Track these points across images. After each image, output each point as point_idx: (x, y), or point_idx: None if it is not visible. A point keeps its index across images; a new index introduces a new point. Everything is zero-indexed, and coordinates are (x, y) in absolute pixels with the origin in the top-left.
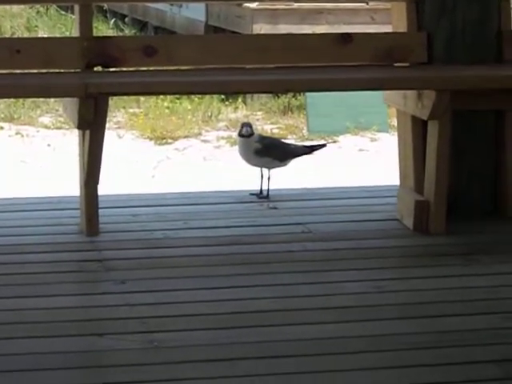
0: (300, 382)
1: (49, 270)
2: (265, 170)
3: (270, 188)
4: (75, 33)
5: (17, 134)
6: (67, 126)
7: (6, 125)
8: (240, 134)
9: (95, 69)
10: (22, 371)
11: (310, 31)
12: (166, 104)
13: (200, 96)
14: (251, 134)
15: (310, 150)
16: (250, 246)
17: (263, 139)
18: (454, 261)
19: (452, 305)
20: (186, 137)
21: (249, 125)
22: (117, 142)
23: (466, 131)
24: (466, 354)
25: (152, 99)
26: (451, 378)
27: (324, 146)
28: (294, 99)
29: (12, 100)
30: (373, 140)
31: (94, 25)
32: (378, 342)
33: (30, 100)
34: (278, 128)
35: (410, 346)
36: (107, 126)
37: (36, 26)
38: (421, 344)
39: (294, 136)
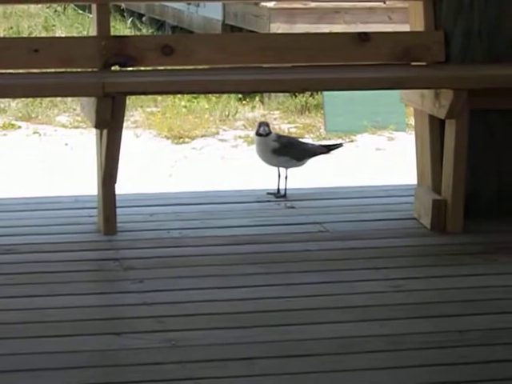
0: (318, 382)
1: (66, 268)
2: (282, 170)
3: (288, 187)
4: (93, 32)
5: (34, 133)
6: (85, 126)
7: (23, 124)
8: (257, 133)
9: (113, 68)
10: (41, 370)
11: (327, 30)
12: (183, 103)
13: (217, 95)
14: (268, 133)
15: (328, 149)
16: (267, 245)
17: (281, 138)
18: (472, 260)
19: (471, 304)
20: (203, 136)
21: (266, 124)
22: (134, 141)
23: (483, 130)
24: (485, 352)
25: (169, 98)
26: (471, 377)
27: (341, 145)
28: (311, 98)
29: (29, 99)
30: (390, 139)
31: (112, 24)
32: (397, 341)
33: (47, 99)
34: (295, 127)
35: (429, 346)
36: (125, 125)
37: (54, 26)
38: (440, 343)
39: (312, 135)
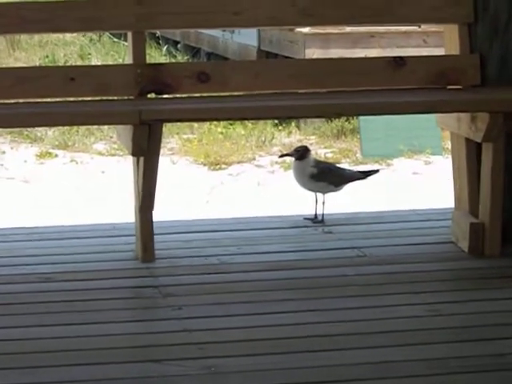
0: None
1: (105, 296)
2: (319, 195)
3: (325, 212)
4: (128, 60)
5: (71, 161)
6: (121, 153)
7: (60, 152)
8: (282, 156)
9: (149, 96)
10: None
11: (362, 55)
12: (219, 129)
13: (253, 121)
14: (300, 157)
15: (365, 175)
16: (305, 270)
17: (318, 164)
18: (511, 283)
19: (510, 327)
20: (239, 162)
21: (302, 148)
22: (171, 167)
23: None
24: None
25: (206, 125)
26: None
27: (377, 171)
28: (347, 123)
29: (66, 127)
30: (427, 163)
31: (147, 51)
32: (435, 365)
33: (84, 127)
34: (331, 152)
35: (467, 370)
36: (161, 152)
37: (89, 54)
38: (479, 367)
39: (348, 160)
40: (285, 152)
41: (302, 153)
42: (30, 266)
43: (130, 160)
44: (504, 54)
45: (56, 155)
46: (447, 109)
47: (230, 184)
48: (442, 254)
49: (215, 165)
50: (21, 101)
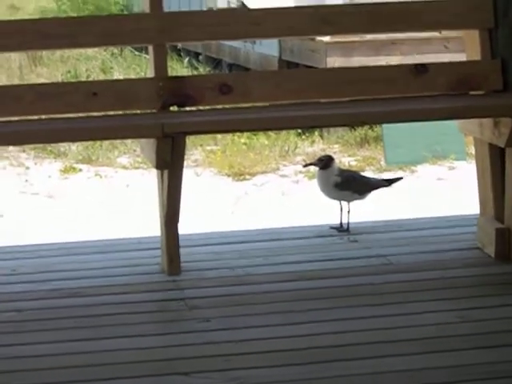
0: None
1: (132, 310)
2: (344, 203)
3: (350, 221)
4: (150, 73)
5: (96, 175)
6: (145, 166)
7: (84, 167)
8: (306, 165)
9: (171, 108)
10: None
11: (384, 62)
12: (243, 140)
13: (276, 131)
14: (325, 166)
15: (389, 183)
16: (332, 280)
17: (342, 172)
18: None
19: None
20: (263, 172)
21: (322, 157)
22: (195, 179)
23: None
24: None
25: (229, 136)
26: None
27: (401, 178)
28: (370, 131)
29: (90, 142)
30: (451, 169)
31: (169, 64)
32: (463, 371)
33: (107, 142)
34: (355, 160)
35: (495, 375)
36: (185, 164)
37: (111, 68)
38: (507, 372)
39: (372, 167)
40: (308, 161)
41: (325, 162)
42: (56, 281)
43: (154, 173)
44: None
45: (80, 170)
46: (470, 115)
47: (255, 194)
48: (468, 260)
49: (239, 175)
50: (44, 117)
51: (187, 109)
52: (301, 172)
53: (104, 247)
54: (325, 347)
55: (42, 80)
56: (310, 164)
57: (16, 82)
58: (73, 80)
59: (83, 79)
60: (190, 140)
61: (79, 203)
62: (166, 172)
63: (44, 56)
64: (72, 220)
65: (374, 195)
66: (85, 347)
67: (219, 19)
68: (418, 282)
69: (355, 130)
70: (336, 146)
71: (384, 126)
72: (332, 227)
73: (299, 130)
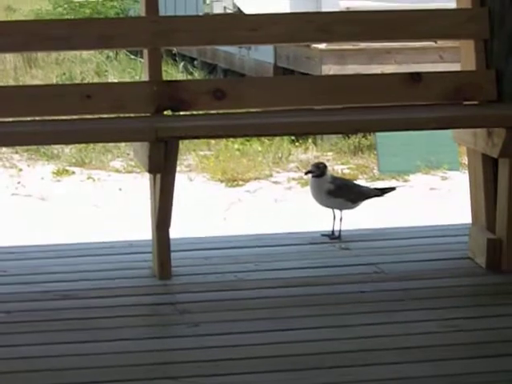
0: None
1: (122, 313)
2: (336, 211)
3: (342, 229)
4: (145, 77)
5: (88, 178)
6: (138, 170)
7: (77, 169)
8: (306, 172)
9: (165, 113)
10: None
11: (378, 71)
12: (236, 146)
13: (270, 137)
14: (321, 174)
15: (382, 192)
16: (322, 287)
17: (335, 180)
18: None
19: None
20: (256, 178)
21: (318, 165)
22: (188, 184)
23: None
24: None
25: (222, 142)
26: None
27: (394, 189)
28: (364, 139)
29: (83, 145)
30: (444, 178)
31: (164, 68)
32: (453, 381)
33: (100, 145)
34: (348, 168)
35: None
36: (178, 169)
37: (106, 71)
38: (497, 383)
39: (365, 176)
40: (303, 169)
41: (322, 169)
42: (47, 283)
43: (146, 177)
44: None
45: (73, 172)
46: (464, 124)
47: (247, 201)
48: (459, 270)
49: (232, 181)
50: (37, 118)
51: (181, 113)
52: (294, 179)
53: (95, 250)
54: (313, 354)
55: (36, 82)
56: (310, 172)
57: (10, 83)
58: (67, 82)
59: (78, 82)
60: (183, 145)
61: (71, 206)
62: (158, 176)
63: (39, 58)
64: (64, 222)
65: (367, 203)
66: (74, 350)
67: (215, 24)
68: (409, 290)
69: (349, 137)
70: (329, 153)
71: (378, 134)
72: (323, 234)
73: (293, 137)
